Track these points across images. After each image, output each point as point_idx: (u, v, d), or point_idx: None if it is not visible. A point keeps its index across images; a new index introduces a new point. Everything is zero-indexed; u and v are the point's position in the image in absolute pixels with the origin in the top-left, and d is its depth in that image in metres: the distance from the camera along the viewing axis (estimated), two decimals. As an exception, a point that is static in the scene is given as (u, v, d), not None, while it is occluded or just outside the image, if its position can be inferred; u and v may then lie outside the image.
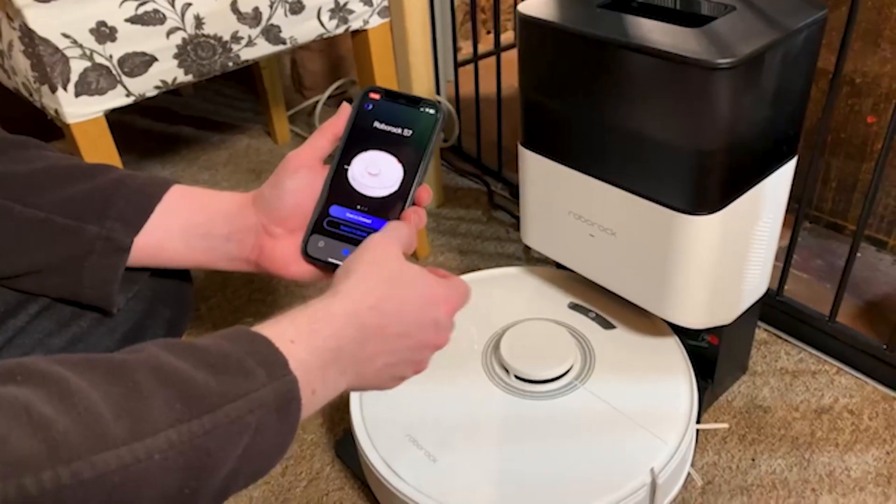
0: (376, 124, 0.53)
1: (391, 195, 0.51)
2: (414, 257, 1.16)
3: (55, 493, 0.29)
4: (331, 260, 0.51)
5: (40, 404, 0.30)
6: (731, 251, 0.71)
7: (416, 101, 0.53)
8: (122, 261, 0.49)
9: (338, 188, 0.52)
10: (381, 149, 0.52)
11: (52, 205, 0.49)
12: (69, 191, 0.50)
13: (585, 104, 0.70)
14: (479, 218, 1.24)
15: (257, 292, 1.11)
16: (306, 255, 0.52)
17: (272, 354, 0.38)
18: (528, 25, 0.71)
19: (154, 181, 0.52)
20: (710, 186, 0.65)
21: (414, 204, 0.52)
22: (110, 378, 0.33)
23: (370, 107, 0.54)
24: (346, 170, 0.52)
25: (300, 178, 0.52)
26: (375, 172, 0.52)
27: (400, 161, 0.52)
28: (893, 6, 0.92)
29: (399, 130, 0.52)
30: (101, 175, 0.51)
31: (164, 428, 0.32)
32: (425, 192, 0.53)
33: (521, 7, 0.71)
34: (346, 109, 0.54)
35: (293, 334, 0.40)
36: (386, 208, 0.52)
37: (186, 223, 0.52)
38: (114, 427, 0.31)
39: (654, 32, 0.63)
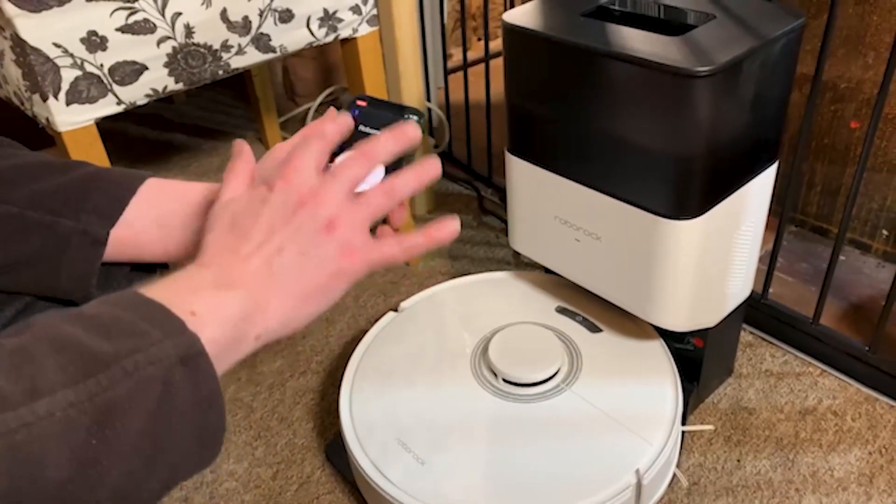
0: (361, 128, 0.55)
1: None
2: (405, 264, 1.17)
3: None
4: None
5: None
6: (714, 255, 0.73)
7: (400, 108, 0.56)
8: (99, 253, 0.50)
9: None
10: None
11: (26, 200, 0.49)
12: (43, 185, 0.50)
13: (570, 111, 0.71)
14: (470, 223, 1.25)
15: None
16: None
17: (166, 316, 0.37)
18: (513, 34, 0.72)
19: (129, 174, 0.53)
20: (691, 192, 0.66)
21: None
22: (2, 352, 0.34)
23: (356, 112, 0.56)
24: (330, 166, 0.54)
25: None
26: None
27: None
28: (874, 13, 0.94)
29: None
30: (74, 170, 0.52)
31: (61, 388, 0.32)
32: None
33: (505, 16, 0.72)
34: (332, 113, 0.55)
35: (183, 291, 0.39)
36: None
37: (162, 213, 0.52)
38: (10, 391, 0.32)
39: (636, 41, 0.64)
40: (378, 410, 0.77)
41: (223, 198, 0.46)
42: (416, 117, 0.55)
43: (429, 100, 1.42)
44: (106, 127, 0.78)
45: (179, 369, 0.36)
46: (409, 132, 0.48)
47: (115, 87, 0.77)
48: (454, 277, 0.96)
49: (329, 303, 0.45)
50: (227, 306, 0.40)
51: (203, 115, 1.68)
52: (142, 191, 0.52)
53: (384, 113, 0.55)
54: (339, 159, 0.54)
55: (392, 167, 0.53)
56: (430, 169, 0.48)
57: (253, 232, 0.43)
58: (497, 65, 0.99)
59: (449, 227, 0.48)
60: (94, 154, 0.78)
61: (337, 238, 0.44)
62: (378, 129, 0.55)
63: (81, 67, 0.74)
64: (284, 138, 1.54)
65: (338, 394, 0.79)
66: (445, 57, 1.37)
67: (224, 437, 0.38)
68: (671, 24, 0.70)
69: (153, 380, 0.35)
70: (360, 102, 0.56)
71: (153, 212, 0.52)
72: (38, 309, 0.52)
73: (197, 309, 0.38)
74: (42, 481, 0.31)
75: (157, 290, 0.39)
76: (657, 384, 0.77)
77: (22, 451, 0.31)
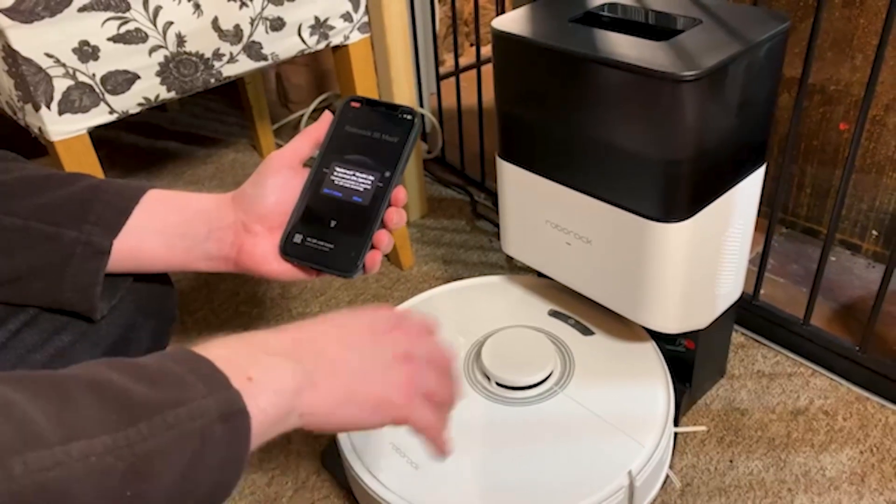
0: (356, 130, 0.55)
1: (369, 195, 0.53)
2: (398, 268, 1.17)
3: None
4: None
5: None
6: (703, 257, 0.73)
7: (394, 108, 0.56)
8: (102, 264, 0.50)
9: (317, 189, 0.54)
10: (360, 153, 0.55)
11: (30, 212, 0.50)
12: (46, 197, 0.50)
13: (559, 116, 0.71)
14: (463, 227, 1.26)
15: (243, 304, 1.12)
16: (284, 254, 0.53)
17: (213, 372, 0.38)
18: (502, 40, 0.73)
19: (131, 185, 0.53)
20: (679, 194, 0.67)
21: (391, 205, 0.54)
22: (47, 392, 0.34)
23: (351, 115, 0.56)
24: (326, 172, 0.54)
25: (282, 177, 0.54)
26: (354, 174, 0.54)
27: (378, 163, 0.54)
28: (862, 17, 0.95)
29: (378, 135, 0.55)
30: (77, 182, 0.52)
31: (100, 434, 0.33)
32: (401, 193, 0.55)
33: (494, 22, 0.73)
34: (328, 117, 0.56)
35: (245, 362, 0.40)
36: (363, 208, 0.53)
37: (164, 223, 0.53)
38: (47, 431, 0.32)
39: (623, 46, 0.65)
40: (372, 415, 0.77)
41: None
42: (409, 116, 0.55)
43: (421, 105, 1.42)
44: (98, 135, 0.78)
45: (219, 426, 0.36)
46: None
47: (108, 97, 0.77)
48: (448, 282, 0.96)
49: (363, 423, 0.45)
50: (282, 376, 0.40)
51: (196, 123, 1.68)
52: (144, 201, 0.52)
53: (379, 114, 0.56)
54: (337, 164, 0.54)
55: (388, 166, 0.54)
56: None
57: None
58: (489, 70, 1.00)
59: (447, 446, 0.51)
60: (87, 163, 0.79)
61: (405, 372, 0.46)
62: (374, 131, 0.55)
63: (73, 77, 0.74)
64: (279, 145, 1.55)
65: (332, 399, 0.80)
66: (437, 63, 1.38)
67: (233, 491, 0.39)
68: (658, 30, 0.71)
69: (191, 435, 0.35)
70: (353, 104, 0.56)
71: (155, 222, 0.52)
72: (43, 320, 0.52)
73: (254, 375, 0.39)
74: None
75: (216, 349, 0.39)
76: (649, 386, 0.78)
77: (52, 491, 0.31)
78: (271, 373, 0.40)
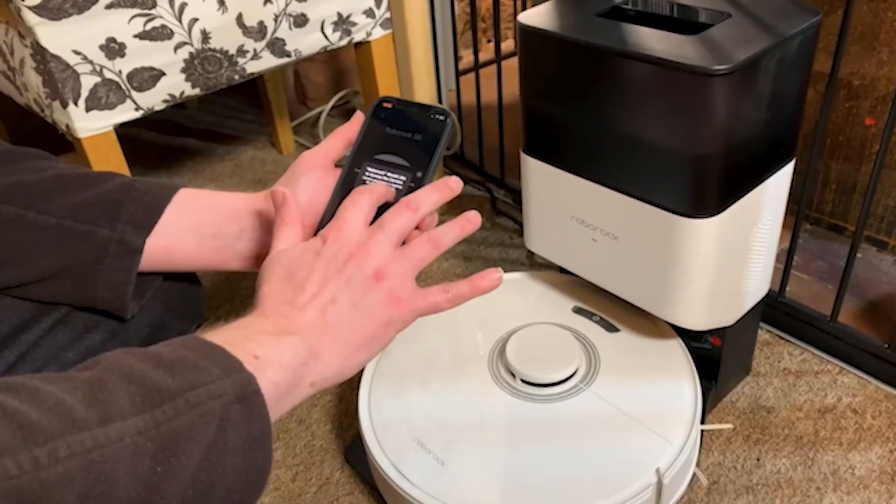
0: (388, 130, 0.55)
1: (401, 195, 0.53)
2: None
3: (34, 472, 0.30)
4: None
5: (12, 403, 0.32)
6: (731, 253, 0.72)
7: (426, 109, 0.55)
8: (135, 262, 0.51)
9: (349, 189, 0.54)
10: (392, 152, 0.54)
11: (64, 210, 0.50)
12: (80, 196, 0.51)
13: (585, 111, 0.71)
14: (483, 224, 1.25)
15: (264, 301, 1.13)
16: None
17: (225, 356, 0.39)
18: (528, 35, 0.72)
19: (163, 184, 0.54)
20: (708, 190, 0.66)
21: None
22: (74, 379, 0.35)
23: (383, 115, 0.56)
24: (358, 172, 0.54)
25: (313, 177, 0.54)
26: (386, 174, 0.54)
27: (410, 163, 0.54)
28: (889, 10, 0.93)
29: (409, 135, 0.54)
30: (110, 181, 0.53)
31: (131, 416, 0.34)
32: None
33: (521, 17, 0.73)
34: (359, 117, 0.56)
35: (243, 340, 0.41)
36: None
37: (197, 223, 0.53)
38: (84, 414, 0.33)
39: (651, 40, 0.64)
40: (396, 412, 0.77)
41: (276, 248, 0.48)
42: (441, 116, 0.55)
43: (440, 102, 1.42)
44: (120, 133, 0.79)
45: (236, 406, 0.37)
46: (451, 184, 0.51)
47: (134, 93, 0.77)
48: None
49: (379, 349, 0.47)
50: (287, 351, 0.41)
51: (216, 121, 1.69)
52: (175, 200, 0.52)
53: (411, 114, 0.55)
54: (368, 165, 0.54)
55: (421, 166, 0.53)
56: (472, 221, 0.51)
57: (307, 284, 0.45)
58: (508, 66, 1.00)
59: (492, 277, 0.51)
60: (113, 159, 0.79)
61: (385, 287, 0.46)
62: (406, 131, 0.55)
63: (100, 74, 0.74)
64: (297, 142, 1.55)
65: (356, 396, 0.80)
66: (457, 59, 1.38)
67: (269, 477, 0.39)
68: (686, 24, 0.70)
69: (212, 414, 0.36)
70: (385, 104, 0.56)
71: (188, 221, 0.53)
72: (75, 319, 0.53)
73: (260, 353, 0.40)
74: (110, 503, 0.32)
75: (220, 336, 0.40)
76: (676, 383, 0.77)
77: (95, 472, 0.32)
78: (275, 349, 0.41)
